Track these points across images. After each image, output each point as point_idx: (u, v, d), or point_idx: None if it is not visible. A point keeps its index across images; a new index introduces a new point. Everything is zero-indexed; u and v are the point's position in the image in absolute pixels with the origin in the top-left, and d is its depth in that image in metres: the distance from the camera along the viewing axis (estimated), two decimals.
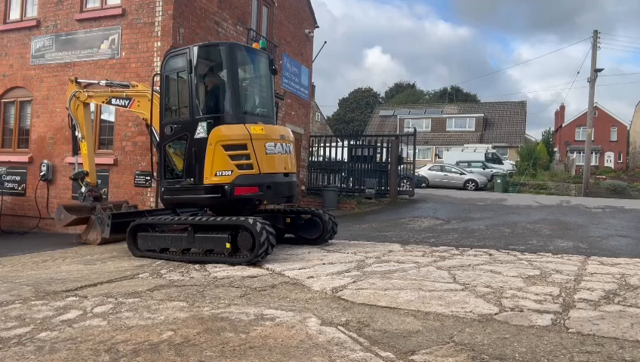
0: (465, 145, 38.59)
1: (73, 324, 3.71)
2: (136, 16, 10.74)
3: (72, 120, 9.14)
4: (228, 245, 6.23)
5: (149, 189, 10.31)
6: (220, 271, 5.85)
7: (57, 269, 6.35)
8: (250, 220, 6.09)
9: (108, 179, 10.84)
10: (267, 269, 5.81)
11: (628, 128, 52.50)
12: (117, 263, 6.68)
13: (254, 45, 7.96)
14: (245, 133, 6.71)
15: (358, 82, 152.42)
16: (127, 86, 8.37)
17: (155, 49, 10.42)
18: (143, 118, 7.98)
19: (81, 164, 9.53)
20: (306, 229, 7.91)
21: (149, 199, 10.32)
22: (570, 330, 3.43)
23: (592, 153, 32.66)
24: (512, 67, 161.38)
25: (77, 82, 9.17)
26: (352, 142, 18.32)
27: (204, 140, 6.80)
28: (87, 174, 9.19)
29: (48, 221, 11.41)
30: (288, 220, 7.83)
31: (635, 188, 25.31)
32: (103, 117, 11.29)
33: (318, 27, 17.88)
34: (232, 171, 6.64)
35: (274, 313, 3.89)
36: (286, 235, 7.96)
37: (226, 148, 6.69)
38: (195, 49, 7.07)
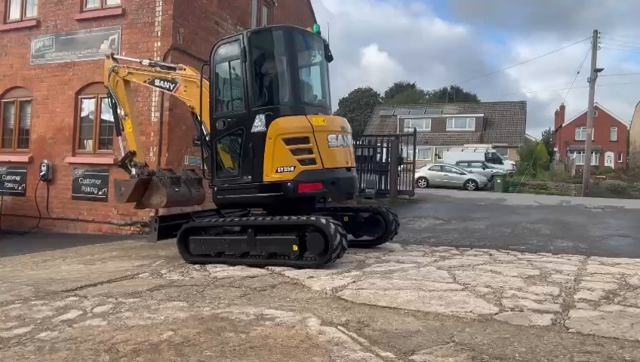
0: (465, 145, 38.60)
1: (73, 324, 3.71)
2: (136, 16, 10.74)
3: (111, 98, 8.35)
4: (295, 247, 5.81)
5: None
6: (220, 271, 5.86)
7: (57, 269, 6.35)
8: (323, 220, 5.72)
9: (108, 179, 10.84)
10: (267, 269, 5.81)
11: (628, 128, 52.51)
12: (117, 263, 6.68)
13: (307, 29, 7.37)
14: (307, 125, 6.19)
15: (357, 81, 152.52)
16: (173, 68, 7.67)
17: (155, 49, 10.41)
18: (189, 106, 7.39)
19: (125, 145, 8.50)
20: (366, 228, 7.36)
21: None
22: (570, 330, 3.43)
23: (592, 153, 32.63)
24: (511, 67, 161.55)
25: (113, 58, 8.45)
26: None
27: (262, 134, 6.27)
28: (134, 154, 8.26)
29: (48, 221, 11.42)
30: (347, 219, 7.16)
31: (635, 188, 25.30)
32: (103, 117, 11.29)
33: None
34: (294, 167, 6.13)
35: (274, 313, 3.89)
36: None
37: (288, 142, 6.17)
38: (250, 35, 6.57)
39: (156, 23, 10.42)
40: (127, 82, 8.21)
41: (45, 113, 11.81)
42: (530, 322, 3.62)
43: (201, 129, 7.10)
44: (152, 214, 10.23)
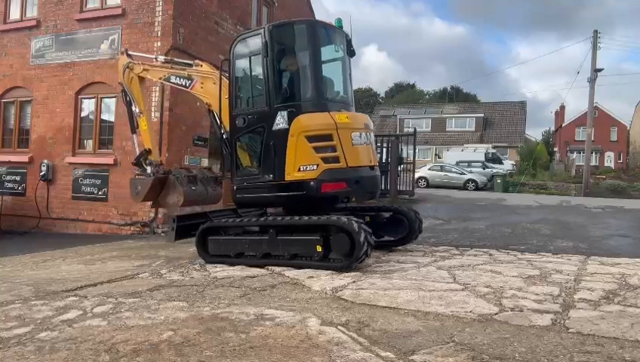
0: (465, 145, 38.60)
1: (73, 324, 3.71)
2: (136, 16, 10.74)
3: (126, 95, 8.20)
4: (319, 248, 5.62)
5: None
6: (220, 270, 5.86)
7: (57, 269, 6.35)
8: (348, 221, 5.52)
9: (108, 179, 10.85)
10: (267, 269, 5.81)
11: (628, 128, 52.51)
12: (117, 263, 6.68)
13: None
14: (331, 122, 5.98)
15: (356, 81, 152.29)
16: (189, 65, 7.50)
17: (155, 49, 10.41)
18: (206, 103, 7.24)
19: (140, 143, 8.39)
20: (388, 229, 7.08)
21: None
22: (570, 330, 3.43)
23: (592, 153, 32.64)
24: (511, 67, 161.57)
25: (128, 54, 8.33)
26: None
27: (284, 132, 6.05)
28: (149, 152, 8.12)
29: (48, 221, 11.43)
30: (368, 219, 6.79)
31: (635, 188, 25.30)
32: (103, 117, 11.31)
33: None
34: (317, 165, 5.92)
35: (274, 313, 3.89)
36: None
37: (311, 139, 5.95)
38: (271, 29, 6.33)
39: (156, 23, 10.43)
40: (142, 79, 8.10)
41: (45, 113, 11.81)
42: (530, 322, 3.62)
43: (218, 126, 6.96)
44: (152, 214, 10.27)
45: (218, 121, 6.94)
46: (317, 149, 5.95)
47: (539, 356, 2.93)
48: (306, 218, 5.82)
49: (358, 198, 6.81)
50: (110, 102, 11.15)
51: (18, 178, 12.16)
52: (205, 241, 6.53)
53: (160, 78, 7.83)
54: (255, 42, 6.41)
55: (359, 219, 6.17)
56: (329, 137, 5.96)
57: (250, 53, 6.51)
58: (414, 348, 3.09)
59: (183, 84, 7.43)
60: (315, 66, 6.33)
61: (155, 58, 7.97)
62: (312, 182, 5.91)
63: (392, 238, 7.14)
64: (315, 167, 5.92)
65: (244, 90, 6.71)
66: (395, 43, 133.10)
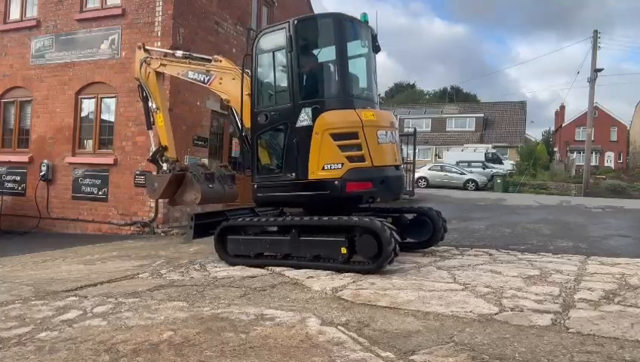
0: (465, 145, 38.65)
1: (73, 324, 3.71)
2: (136, 16, 10.74)
3: (142, 90, 8.09)
4: (344, 250, 5.44)
5: None
6: (220, 270, 5.85)
7: (57, 269, 6.35)
8: (377, 222, 5.34)
9: (108, 179, 10.85)
10: (267, 269, 5.80)
11: (628, 128, 52.49)
12: (117, 263, 6.68)
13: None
14: (356, 120, 5.79)
15: None
16: (208, 60, 7.32)
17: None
18: (225, 100, 7.09)
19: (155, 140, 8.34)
20: (412, 231, 6.82)
21: (148, 199, 10.31)
22: (570, 330, 3.43)
23: (592, 153, 32.64)
24: (511, 67, 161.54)
25: (145, 49, 8.19)
26: None
27: (308, 129, 5.87)
28: (165, 149, 7.94)
29: (48, 221, 11.42)
30: (391, 220, 6.44)
31: (635, 188, 25.30)
32: (103, 117, 11.30)
33: None
34: (342, 164, 5.72)
35: (274, 313, 3.89)
36: None
37: (336, 137, 5.77)
38: (297, 23, 6.11)
39: (156, 23, 10.43)
40: (158, 74, 7.98)
41: (45, 113, 11.81)
42: (530, 322, 3.62)
43: (236, 123, 6.82)
44: (152, 214, 10.27)
45: (237, 119, 6.79)
46: (342, 148, 5.77)
47: (539, 356, 2.93)
48: (334, 218, 5.64)
49: (383, 199, 6.62)
50: (110, 102, 11.15)
51: (18, 178, 12.15)
52: (224, 241, 6.37)
53: (178, 73, 7.69)
54: (279, 37, 6.22)
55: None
56: (355, 135, 5.77)
57: (273, 49, 6.31)
58: (414, 348, 3.09)
59: (201, 79, 7.27)
60: (342, 62, 6.13)
61: (173, 53, 7.87)
62: (336, 182, 5.74)
63: (417, 240, 6.88)
64: (339, 165, 5.74)
65: (266, 86, 6.52)
66: (395, 43, 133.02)
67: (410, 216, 6.93)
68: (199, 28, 11.13)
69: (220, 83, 7.02)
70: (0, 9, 12.68)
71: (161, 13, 10.44)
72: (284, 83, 6.24)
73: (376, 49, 6.64)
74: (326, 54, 6.35)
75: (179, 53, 7.78)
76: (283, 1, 15.09)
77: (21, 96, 12.37)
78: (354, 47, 6.50)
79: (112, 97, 11.03)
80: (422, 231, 6.84)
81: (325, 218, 5.69)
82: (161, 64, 7.82)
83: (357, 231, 5.48)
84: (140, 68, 7.96)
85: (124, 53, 10.81)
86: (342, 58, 6.11)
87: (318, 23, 6.50)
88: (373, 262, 5.35)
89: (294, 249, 5.83)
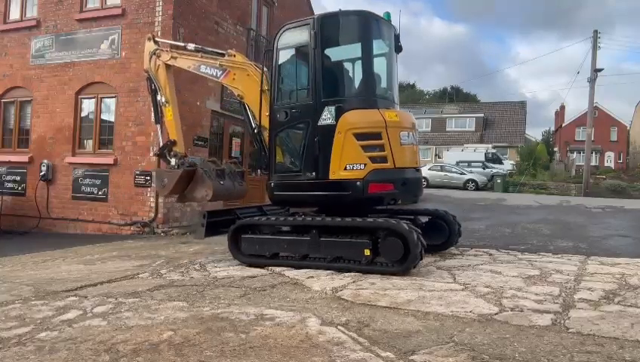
0: (465, 145, 38.65)
1: (73, 324, 3.71)
2: (136, 16, 10.74)
3: (151, 83, 7.92)
4: (368, 252, 5.38)
5: (149, 189, 10.31)
6: (220, 270, 5.85)
7: (57, 269, 6.35)
8: (404, 224, 5.31)
9: (108, 179, 10.85)
10: (267, 269, 5.80)
11: (628, 128, 52.48)
12: (117, 263, 6.68)
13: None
14: (380, 120, 5.72)
15: None
16: (221, 55, 7.15)
17: None
18: (238, 95, 6.95)
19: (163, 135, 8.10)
20: (427, 233, 6.39)
21: (148, 199, 10.32)
22: (570, 330, 3.43)
23: (592, 153, 32.64)
24: (511, 67, 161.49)
25: (155, 41, 8.00)
26: None
27: (331, 128, 5.78)
28: (174, 143, 7.73)
29: (48, 221, 11.42)
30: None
31: (635, 188, 25.30)
32: (103, 117, 11.30)
33: None
34: (365, 165, 5.65)
35: (274, 313, 3.89)
36: None
37: (359, 137, 5.69)
38: (322, 19, 6.04)
39: (156, 23, 10.42)
40: (168, 67, 7.79)
41: (45, 113, 11.81)
42: (530, 322, 3.62)
43: (250, 120, 6.72)
44: (152, 214, 10.27)
45: (250, 116, 6.71)
46: (365, 148, 5.69)
47: (539, 356, 2.93)
48: (358, 219, 5.59)
49: (404, 201, 6.53)
50: (110, 102, 11.14)
51: (18, 178, 12.15)
52: (238, 240, 6.23)
53: (189, 67, 7.53)
54: (302, 33, 6.12)
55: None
56: (378, 136, 5.70)
57: (296, 44, 6.22)
58: (414, 348, 3.09)
59: (214, 74, 7.14)
60: (367, 61, 6.06)
61: (184, 46, 7.71)
62: (358, 182, 5.64)
63: (433, 243, 6.61)
64: (362, 166, 5.66)
65: (287, 82, 6.39)
66: None
67: (424, 219, 6.84)
68: (199, 28, 11.13)
69: (234, 78, 6.90)
70: (0, 9, 12.67)
71: (161, 13, 10.44)
72: (306, 80, 6.15)
73: (398, 49, 6.56)
74: (350, 52, 6.28)
75: (191, 46, 7.63)
76: (283, 1, 15.08)
77: (21, 96, 12.37)
78: (377, 46, 6.42)
79: (112, 97, 11.03)
80: (437, 235, 6.75)
81: (349, 219, 5.60)
82: (172, 57, 7.66)
83: (381, 233, 5.42)
84: (150, 60, 7.81)
85: (124, 53, 10.81)
86: (367, 57, 6.05)
87: (344, 20, 6.31)
88: (399, 265, 5.29)
89: (314, 249, 5.74)
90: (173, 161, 7.56)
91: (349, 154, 5.70)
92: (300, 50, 6.19)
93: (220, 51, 7.32)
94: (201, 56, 7.32)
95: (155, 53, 7.78)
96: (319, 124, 5.89)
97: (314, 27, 5.97)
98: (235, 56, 7.00)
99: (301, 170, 6.08)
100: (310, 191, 6.01)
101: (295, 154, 6.27)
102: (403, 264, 5.26)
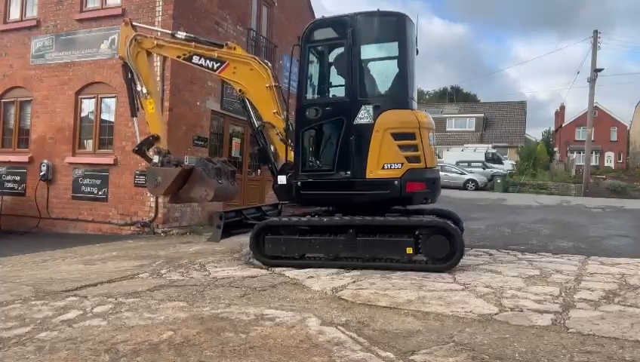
0: (465, 145, 38.59)
1: (73, 324, 3.71)
2: (136, 16, 10.70)
3: (129, 72, 7.23)
4: (410, 250, 5.45)
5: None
6: (220, 270, 5.85)
7: (57, 269, 6.35)
8: (451, 223, 5.51)
9: (108, 179, 10.85)
10: (268, 269, 5.80)
11: (628, 128, 52.47)
12: (117, 263, 6.68)
13: None
14: (414, 121, 5.80)
15: None
16: (219, 46, 6.74)
17: None
18: (239, 90, 6.63)
19: (139, 130, 7.69)
20: None
21: (148, 199, 10.31)
22: (570, 330, 3.43)
23: (592, 153, 32.66)
24: (511, 67, 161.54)
25: (132, 25, 7.33)
26: None
27: (367, 127, 5.75)
28: (157, 139, 7.20)
29: (48, 221, 11.42)
30: None
31: (635, 188, 25.29)
32: (103, 117, 11.30)
33: None
34: (402, 164, 5.69)
35: (274, 313, 3.89)
36: None
37: (396, 137, 5.72)
38: (360, 18, 5.99)
39: (156, 23, 10.41)
40: (149, 54, 7.23)
41: (45, 113, 11.81)
42: (530, 322, 3.62)
43: (251, 116, 6.58)
44: (152, 214, 10.26)
45: (251, 111, 6.58)
46: (401, 148, 5.74)
47: (539, 356, 2.93)
48: (402, 218, 5.73)
49: (432, 200, 6.58)
50: (110, 102, 11.14)
51: (18, 178, 12.15)
52: (260, 241, 6.05)
53: (179, 57, 7.02)
54: (337, 29, 6.08)
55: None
56: (413, 136, 5.77)
57: (329, 41, 6.17)
58: (414, 348, 3.09)
59: (210, 66, 6.75)
60: (404, 61, 6.05)
61: (173, 34, 7.17)
62: (396, 181, 5.68)
63: None
64: (399, 165, 5.71)
65: (319, 78, 6.31)
66: None
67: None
68: (199, 28, 11.11)
69: (234, 72, 6.64)
70: (0, 9, 12.67)
71: (161, 13, 10.44)
72: (340, 77, 6.11)
73: (417, 51, 6.58)
74: (386, 52, 6.30)
75: (181, 34, 7.10)
76: (283, 1, 15.08)
77: (21, 96, 12.37)
78: (410, 48, 6.44)
79: (112, 97, 11.03)
80: None
81: (392, 218, 5.70)
82: (157, 44, 7.11)
83: (425, 231, 5.55)
84: (128, 46, 7.14)
85: None
86: (404, 57, 6.06)
87: (382, 20, 6.25)
88: (443, 262, 5.47)
89: (351, 250, 5.71)
90: (156, 159, 7.06)
91: (387, 153, 5.73)
92: (333, 47, 6.18)
93: (218, 42, 6.98)
94: (195, 46, 6.87)
95: (135, 39, 7.17)
96: (355, 122, 5.85)
97: (351, 25, 5.96)
98: (235, 48, 6.73)
99: (333, 168, 5.99)
100: (344, 191, 5.94)
101: (326, 153, 6.16)
102: (447, 262, 5.45)
